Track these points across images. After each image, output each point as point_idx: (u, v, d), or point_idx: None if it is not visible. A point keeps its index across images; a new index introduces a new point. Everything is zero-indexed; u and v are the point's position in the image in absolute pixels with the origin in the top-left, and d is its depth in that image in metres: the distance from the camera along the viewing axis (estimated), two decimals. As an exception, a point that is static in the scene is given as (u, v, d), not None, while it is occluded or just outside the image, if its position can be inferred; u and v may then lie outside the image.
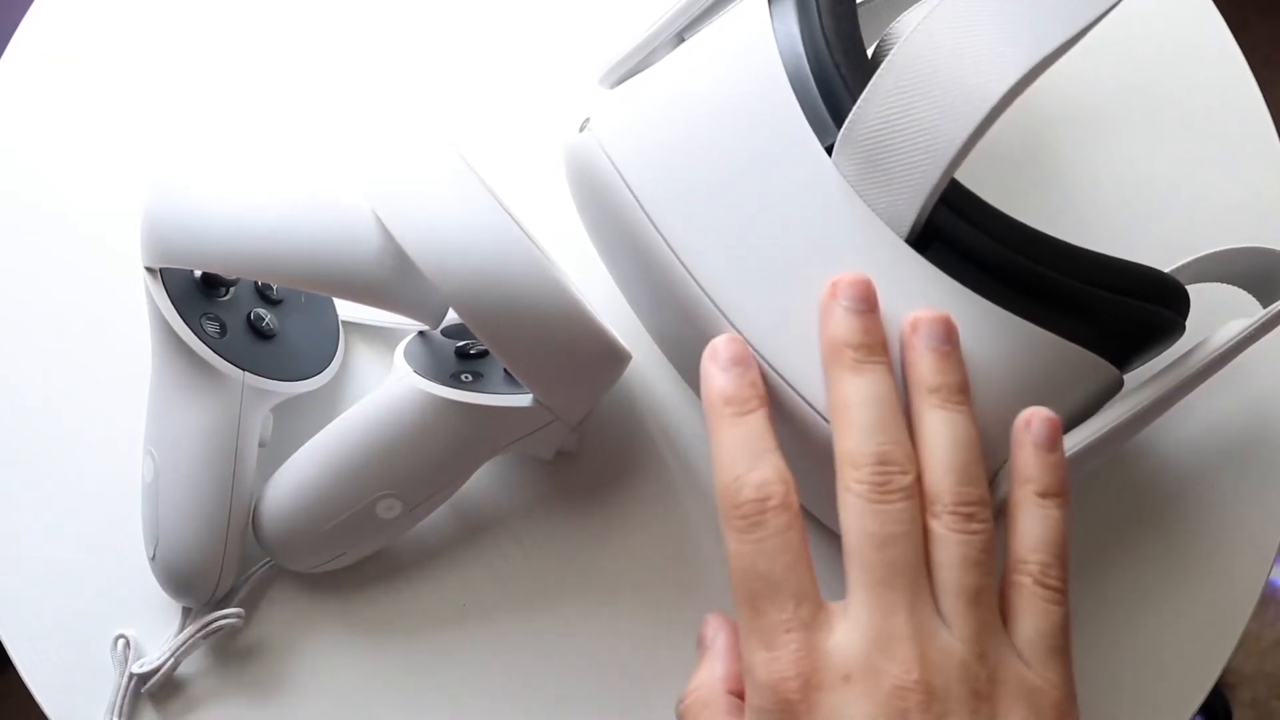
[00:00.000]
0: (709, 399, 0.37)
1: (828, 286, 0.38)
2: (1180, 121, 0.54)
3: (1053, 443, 0.37)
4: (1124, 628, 0.49)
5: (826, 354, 0.38)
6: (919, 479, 0.36)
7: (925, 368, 0.37)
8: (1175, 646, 0.49)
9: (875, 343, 0.37)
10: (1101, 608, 0.49)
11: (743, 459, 0.36)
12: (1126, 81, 0.55)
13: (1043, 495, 0.37)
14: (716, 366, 0.38)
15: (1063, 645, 0.36)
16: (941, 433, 0.37)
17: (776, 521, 0.35)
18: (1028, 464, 0.37)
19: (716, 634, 0.40)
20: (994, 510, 0.37)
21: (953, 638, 0.35)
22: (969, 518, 0.36)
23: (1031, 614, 0.36)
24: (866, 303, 0.37)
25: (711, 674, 0.39)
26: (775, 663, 0.34)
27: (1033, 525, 0.37)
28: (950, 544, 0.35)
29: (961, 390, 0.37)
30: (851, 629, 0.34)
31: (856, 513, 0.35)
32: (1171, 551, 0.50)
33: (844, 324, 0.37)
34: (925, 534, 0.36)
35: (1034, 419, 0.37)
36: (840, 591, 0.36)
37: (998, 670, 0.35)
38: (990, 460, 0.39)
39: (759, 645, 0.34)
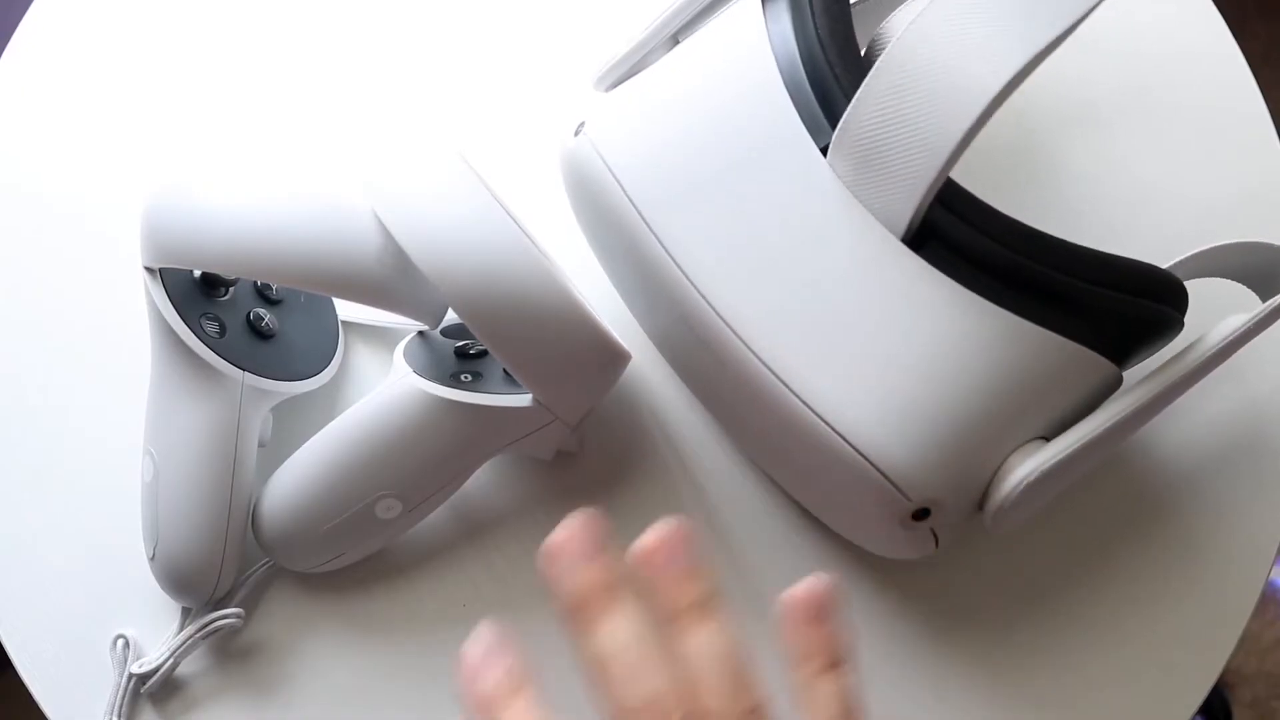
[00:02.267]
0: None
1: (551, 542, 0.35)
2: (1179, 120, 0.54)
3: (824, 613, 0.36)
4: (1124, 628, 0.49)
5: (563, 610, 0.35)
6: (700, 708, 0.34)
7: (672, 586, 0.35)
8: (1175, 646, 0.49)
9: (612, 581, 0.35)
10: (1101, 608, 0.49)
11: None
12: (1125, 80, 0.55)
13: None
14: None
15: None
16: (707, 650, 0.34)
17: None
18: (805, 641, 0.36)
19: None
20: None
21: None
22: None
23: None
24: (592, 545, 0.35)
25: None
26: None
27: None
28: None
29: (713, 596, 0.35)
30: None
31: None
32: (1171, 551, 0.50)
33: (579, 574, 0.35)
34: None
35: (797, 594, 0.36)
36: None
37: None
38: (987, 462, 0.39)
39: None
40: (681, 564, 0.35)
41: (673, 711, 0.33)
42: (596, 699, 0.34)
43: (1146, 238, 0.52)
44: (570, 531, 0.35)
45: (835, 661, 0.35)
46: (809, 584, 0.36)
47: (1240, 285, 0.47)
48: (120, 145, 0.55)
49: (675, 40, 0.45)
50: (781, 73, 0.40)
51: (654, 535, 0.35)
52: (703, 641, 0.34)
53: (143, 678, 0.48)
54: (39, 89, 0.56)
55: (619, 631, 0.34)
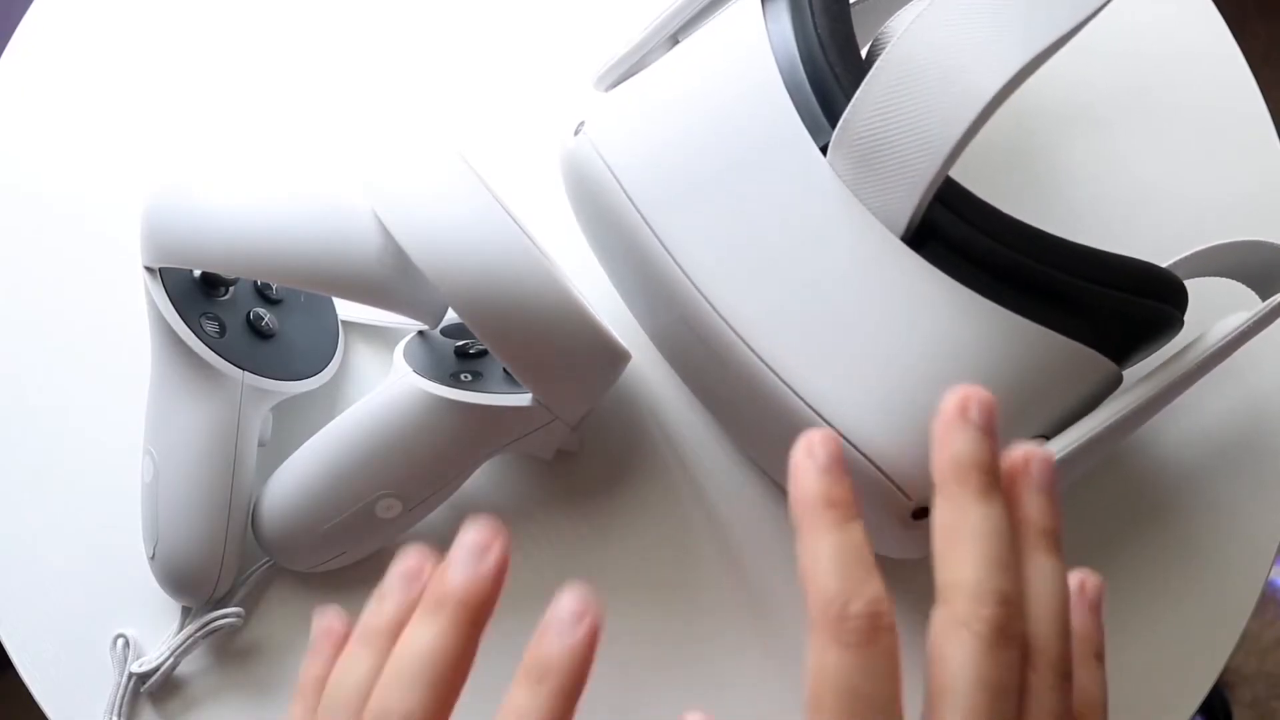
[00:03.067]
0: (805, 498, 0.35)
1: (955, 396, 0.35)
2: (1179, 120, 0.54)
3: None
4: (1124, 627, 0.49)
5: (948, 469, 0.35)
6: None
7: (1037, 509, 0.35)
8: (1175, 646, 0.49)
9: (998, 473, 0.35)
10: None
11: (852, 570, 0.34)
12: (1125, 80, 0.55)
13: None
14: (814, 464, 0.35)
15: None
16: (1050, 584, 0.35)
17: (888, 643, 0.33)
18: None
19: None
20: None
21: None
22: (1068, 677, 0.35)
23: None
24: (996, 427, 0.35)
25: None
26: None
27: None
28: (1048, 703, 0.34)
29: (1061, 538, 0.35)
30: None
31: (972, 653, 0.33)
32: (1171, 551, 0.50)
33: (978, 446, 0.34)
34: (1023, 688, 0.34)
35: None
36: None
37: None
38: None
39: None
40: (1054, 489, 0.35)
41: (1019, 620, 0.34)
42: (944, 561, 0.34)
43: (1146, 237, 0.52)
44: (994, 403, 0.35)
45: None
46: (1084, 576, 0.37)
47: (1240, 284, 0.47)
48: (120, 145, 0.55)
49: (675, 40, 0.45)
50: (781, 72, 0.40)
51: (1034, 450, 0.35)
52: (1056, 572, 0.35)
53: (143, 677, 0.48)
54: (39, 89, 0.56)
55: (999, 518, 0.34)
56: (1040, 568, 0.35)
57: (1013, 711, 0.33)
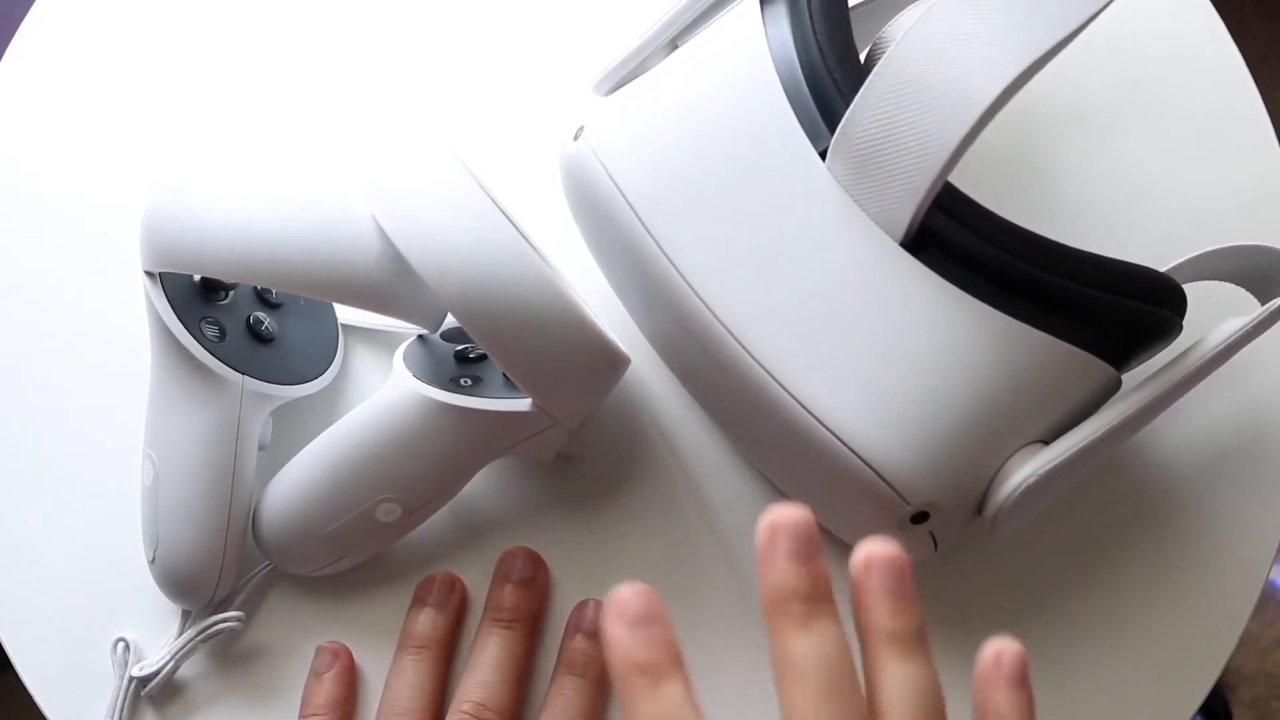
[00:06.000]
0: (621, 664, 0.32)
1: (763, 527, 0.33)
2: (1177, 121, 0.54)
3: (1023, 679, 0.34)
4: (1124, 628, 0.49)
5: (769, 604, 0.33)
6: None
7: (883, 614, 0.33)
8: (1175, 646, 0.49)
9: (822, 593, 0.33)
10: (1101, 609, 0.49)
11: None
12: (1124, 81, 0.55)
13: None
14: (622, 625, 0.32)
15: None
16: (905, 689, 0.33)
17: None
18: (1000, 706, 0.34)
19: None
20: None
21: None
22: None
23: None
24: (810, 546, 0.33)
25: None
26: None
27: None
28: None
29: (921, 636, 0.33)
30: None
31: None
32: (1171, 552, 0.50)
33: (789, 574, 0.33)
34: None
35: (1003, 655, 0.34)
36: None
37: None
38: (986, 465, 0.39)
39: None
40: (901, 588, 0.33)
41: None
42: (780, 699, 0.32)
43: (1145, 239, 0.52)
44: (795, 519, 0.33)
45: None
46: (1014, 649, 0.34)
47: (1239, 288, 0.47)
48: (121, 145, 0.55)
49: (674, 45, 0.45)
50: (780, 77, 0.40)
51: (875, 550, 0.33)
52: (907, 676, 0.33)
53: (143, 680, 0.48)
54: (40, 89, 0.56)
55: (821, 645, 0.32)
56: (891, 675, 0.33)
57: None
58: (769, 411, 0.40)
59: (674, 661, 0.32)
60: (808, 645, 0.32)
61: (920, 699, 0.33)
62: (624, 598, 0.32)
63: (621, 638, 0.32)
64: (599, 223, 0.43)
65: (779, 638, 0.33)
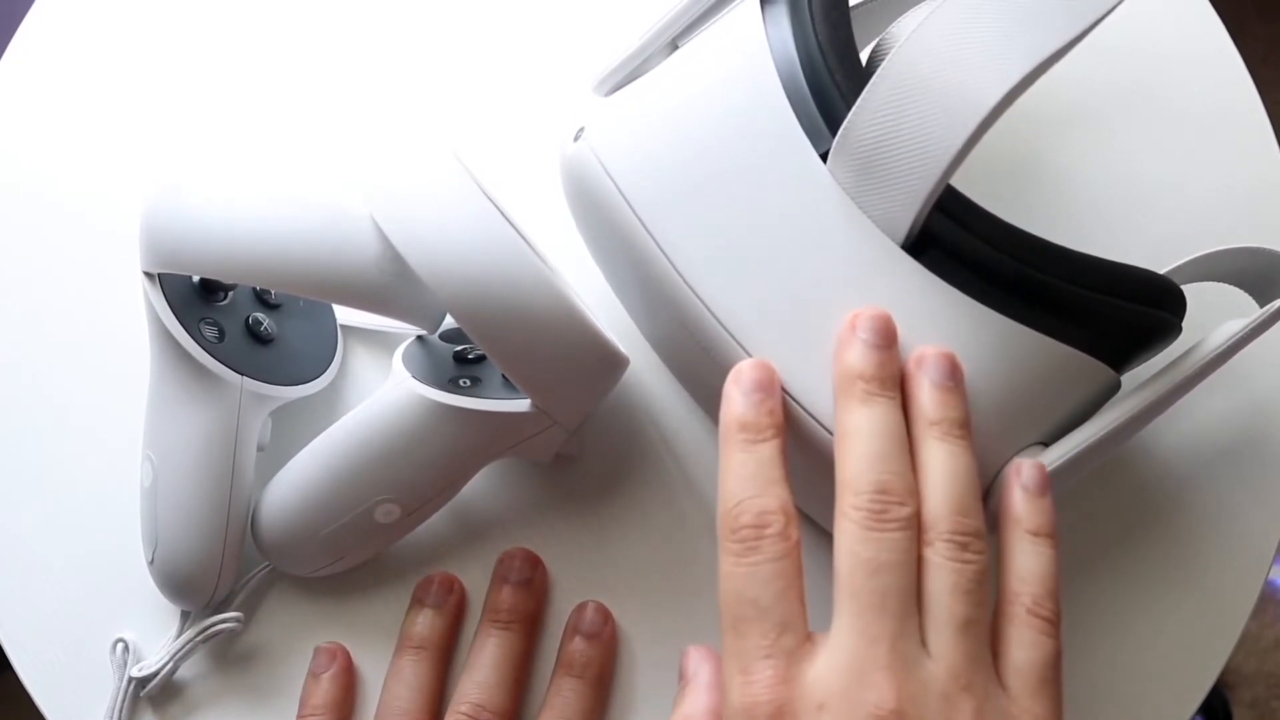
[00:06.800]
0: (725, 421, 0.37)
1: (848, 317, 0.38)
2: (1177, 122, 0.54)
3: (1042, 489, 0.38)
4: (1124, 628, 0.49)
5: (839, 382, 0.37)
6: (917, 514, 0.36)
7: (928, 401, 0.37)
8: (1175, 646, 0.49)
9: (888, 377, 0.37)
10: (1101, 609, 0.49)
11: (749, 485, 0.36)
12: (1123, 83, 0.55)
13: (1034, 534, 0.37)
14: (738, 390, 0.38)
15: (1053, 678, 0.36)
16: (941, 465, 0.36)
17: (772, 549, 0.35)
18: (1018, 505, 0.37)
19: (699, 666, 0.40)
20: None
21: (936, 669, 0.34)
22: (963, 547, 0.36)
23: (1022, 645, 0.36)
24: (885, 338, 0.37)
25: (695, 706, 0.38)
26: (749, 687, 0.34)
27: (1025, 560, 0.37)
28: (943, 572, 0.35)
29: (963, 425, 0.37)
30: (833, 657, 0.34)
31: (850, 539, 0.35)
32: (1171, 552, 0.50)
33: (860, 357, 0.37)
34: (920, 567, 0.35)
35: (1023, 466, 0.38)
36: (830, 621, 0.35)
37: (982, 704, 0.34)
38: (986, 466, 0.39)
39: (737, 670, 0.34)
40: (949, 381, 0.37)
41: (898, 505, 0.35)
42: (836, 464, 0.37)
43: (1145, 240, 0.52)
44: (878, 311, 0.38)
45: (1043, 530, 0.38)
46: (1035, 460, 0.38)
47: (1238, 290, 0.47)
48: (121, 145, 0.55)
49: (674, 45, 0.45)
50: (781, 79, 0.40)
51: (927, 348, 0.38)
52: (948, 454, 0.37)
53: (142, 681, 0.48)
54: (40, 89, 0.56)
55: (878, 417, 0.36)
56: (929, 452, 0.37)
57: (900, 584, 0.35)
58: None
59: (776, 428, 0.37)
60: (866, 415, 0.37)
61: (955, 473, 0.37)
62: (744, 367, 0.38)
63: (734, 397, 0.38)
64: (599, 223, 0.43)
65: (842, 411, 0.37)
